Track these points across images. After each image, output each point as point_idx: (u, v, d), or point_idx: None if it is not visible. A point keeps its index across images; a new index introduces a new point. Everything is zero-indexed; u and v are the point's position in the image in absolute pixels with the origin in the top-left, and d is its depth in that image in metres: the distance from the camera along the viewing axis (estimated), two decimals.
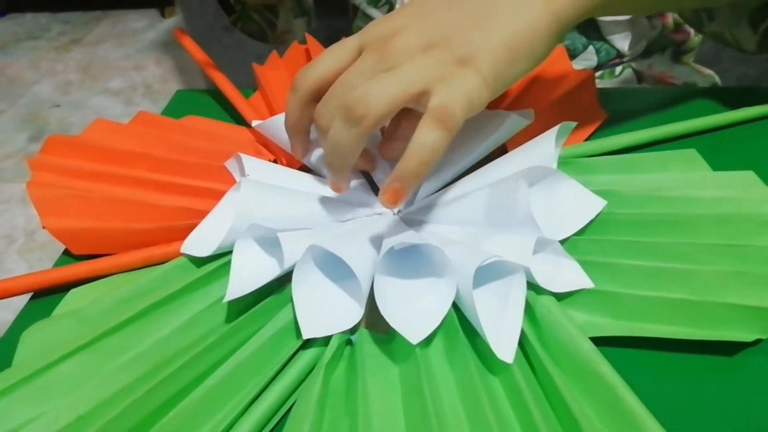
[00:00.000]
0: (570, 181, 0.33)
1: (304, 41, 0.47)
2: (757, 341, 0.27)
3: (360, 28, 0.64)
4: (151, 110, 0.45)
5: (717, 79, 0.58)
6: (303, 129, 0.34)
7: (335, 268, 0.30)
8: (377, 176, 0.38)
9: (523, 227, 0.30)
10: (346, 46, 0.31)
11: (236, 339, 0.29)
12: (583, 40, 0.54)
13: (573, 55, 0.54)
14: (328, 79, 0.31)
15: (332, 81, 0.31)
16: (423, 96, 0.28)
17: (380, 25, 0.31)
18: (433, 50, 0.29)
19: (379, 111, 0.27)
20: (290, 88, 0.32)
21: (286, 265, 0.30)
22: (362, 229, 0.34)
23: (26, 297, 0.34)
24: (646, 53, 0.57)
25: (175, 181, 0.37)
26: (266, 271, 0.31)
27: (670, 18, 0.56)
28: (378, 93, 0.27)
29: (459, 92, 0.28)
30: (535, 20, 0.29)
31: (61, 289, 0.33)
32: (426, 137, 0.27)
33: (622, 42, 0.54)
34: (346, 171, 0.31)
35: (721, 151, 0.37)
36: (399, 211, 0.36)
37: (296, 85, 0.32)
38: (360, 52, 0.31)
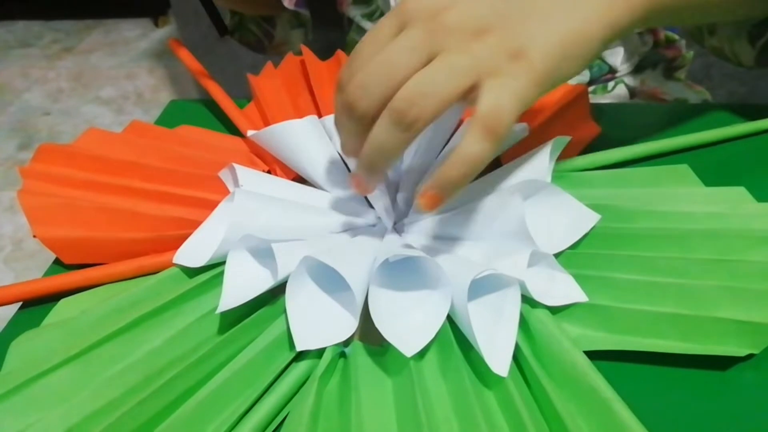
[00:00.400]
0: (564, 195, 0.33)
1: (300, 52, 0.47)
2: (749, 356, 0.27)
3: (355, 41, 0.65)
4: (142, 119, 0.44)
5: (708, 95, 0.59)
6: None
7: (329, 279, 0.30)
8: None
9: (517, 241, 0.30)
10: (385, 28, 0.28)
11: (229, 350, 0.29)
12: None
13: None
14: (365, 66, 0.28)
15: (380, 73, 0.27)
16: (472, 91, 0.26)
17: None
18: (486, 36, 0.26)
19: (430, 114, 0.26)
20: (336, 87, 0.29)
21: (280, 277, 0.30)
22: (357, 240, 0.34)
23: (15, 307, 0.34)
24: (638, 69, 0.57)
25: (169, 190, 0.37)
26: (259, 282, 0.30)
27: (662, 34, 0.57)
28: (429, 91, 0.25)
29: (510, 93, 0.26)
30: (593, 22, 0.28)
31: (52, 299, 0.33)
32: (472, 147, 0.26)
33: (614, 58, 0.55)
34: (383, 173, 0.28)
35: (712, 166, 0.37)
36: (394, 224, 0.36)
37: (342, 83, 0.28)
38: (401, 27, 0.27)
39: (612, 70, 0.55)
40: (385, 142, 0.26)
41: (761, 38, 0.42)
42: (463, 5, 0.27)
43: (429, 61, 0.26)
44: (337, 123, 0.29)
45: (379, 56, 0.26)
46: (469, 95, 0.26)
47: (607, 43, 0.29)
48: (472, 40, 0.26)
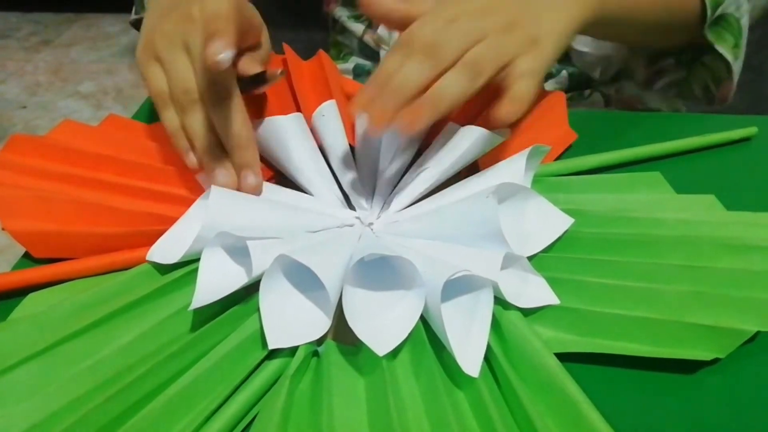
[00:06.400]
0: (539, 198, 0.34)
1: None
2: (715, 360, 0.28)
3: (339, 42, 0.65)
4: (121, 115, 0.44)
5: (682, 106, 0.60)
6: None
7: (304, 278, 0.30)
8: (345, 179, 0.38)
9: (491, 243, 0.31)
10: (441, 16, 0.34)
11: (201, 347, 0.29)
12: (556, 64, 0.55)
13: (546, 77, 0.56)
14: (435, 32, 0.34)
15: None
16: (508, 66, 0.35)
17: (467, 2, 0.36)
18: (515, 29, 0.35)
19: (491, 72, 0.33)
20: (395, 46, 0.34)
21: (254, 274, 0.29)
22: (332, 240, 0.34)
23: None
24: (615, 78, 0.58)
25: (143, 185, 0.36)
26: (233, 279, 0.30)
27: None
28: (491, 56, 0.33)
29: (536, 66, 0.35)
30: (574, 20, 0.37)
31: (19, 293, 0.32)
32: (526, 85, 0.34)
33: (593, 68, 0.56)
34: (434, 119, 0.33)
35: (684, 174, 0.38)
36: (371, 224, 0.36)
37: (403, 44, 0.34)
38: (453, 20, 0.34)
39: (590, 79, 0.56)
40: (462, 84, 0.32)
41: (654, 65, 0.52)
42: (494, 6, 0.36)
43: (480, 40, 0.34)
44: (407, 66, 0.33)
45: (448, 30, 0.33)
46: (505, 69, 0.35)
47: (578, 31, 0.38)
48: (508, 32, 0.35)
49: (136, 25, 0.57)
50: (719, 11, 0.45)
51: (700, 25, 0.46)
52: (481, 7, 0.36)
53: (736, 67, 0.47)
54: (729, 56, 0.46)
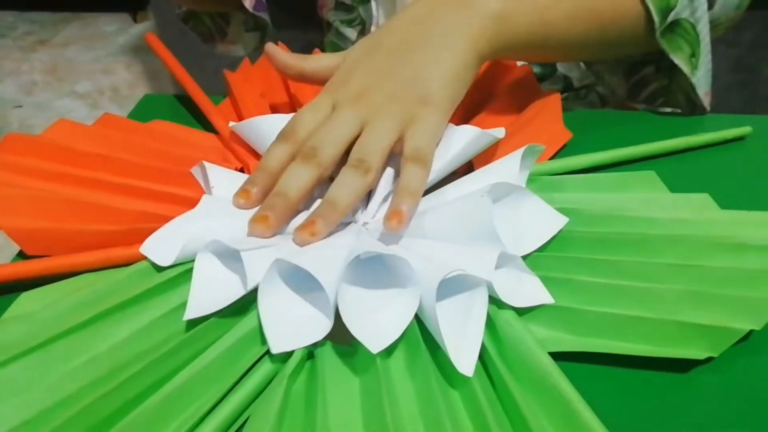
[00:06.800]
0: (533, 197, 0.34)
1: (252, 55, 0.47)
2: (709, 359, 0.28)
3: (333, 44, 0.65)
4: (118, 114, 0.44)
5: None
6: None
7: (302, 280, 0.30)
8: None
9: (486, 242, 0.31)
10: (321, 106, 0.36)
11: (196, 347, 0.29)
12: (549, 66, 0.56)
13: (541, 78, 0.56)
14: (315, 132, 0.35)
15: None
16: (399, 143, 0.35)
17: (348, 84, 0.37)
18: (397, 100, 0.35)
19: (380, 161, 0.34)
20: (278, 138, 0.36)
21: (249, 287, 0.29)
22: (329, 239, 0.34)
23: None
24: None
25: (138, 184, 0.36)
26: (228, 291, 0.30)
27: None
28: (374, 148, 0.34)
29: (427, 133, 0.35)
30: (464, 55, 0.37)
31: (11, 290, 0.32)
32: (411, 178, 0.33)
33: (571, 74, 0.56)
34: (337, 221, 0.33)
35: (678, 174, 0.38)
36: (365, 223, 0.36)
37: (286, 137, 0.35)
38: (333, 107, 0.36)
39: (585, 81, 0.56)
40: (352, 184, 0.33)
41: (635, 75, 0.49)
42: (374, 85, 0.36)
43: (362, 128, 0.35)
44: (289, 172, 0.33)
45: (326, 126, 0.35)
46: (397, 146, 0.35)
47: (478, 67, 0.39)
48: (389, 105, 0.35)
49: (186, 20, 0.59)
50: (671, 17, 0.42)
51: (651, 34, 0.42)
52: (358, 90, 0.36)
53: (697, 78, 0.44)
54: (685, 67, 0.43)
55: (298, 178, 0.33)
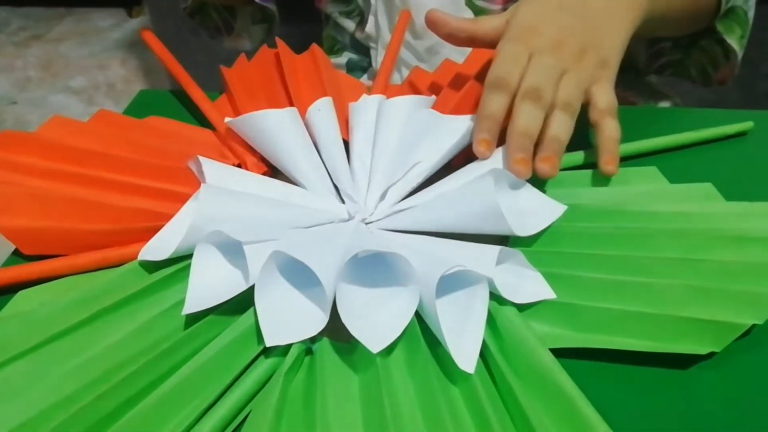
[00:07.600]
0: (530, 186, 0.34)
1: (257, 48, 0.47)
2: (711, 354, 0.28)
3: (331, 37, 0.64)
4: (113, 110, 0.43)
5: (678, 100, 0.60)
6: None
7: (299, 274, 0.29)
8: (343, 183, 0.37)
9: (491, 223, 0.31)
10: (519, 55, 0.37)
11: (193, 345, 0.28)
12: None
13: None
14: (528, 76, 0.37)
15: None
16: (586, 94, 0.38)
17: (543, 35, 0.38)
18: (584, 57, 0.38)
19: (579, 107, 0.37)
20: (491, 87, 0.37)
21: (251, 281, 0.29)
22: (327, 236, 0.34)
23: None
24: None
25: (135, 181, 0.36)
26: (228, 285, 0.30)
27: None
28: (577, 94, 0.37)
29: (609, 90, 0.38)
30: (631, 30, 0.40)
31: (8, 290, 0.32)
32: (613, 126, 0.37)
33: None
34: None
35: (680, 169, 0.38)
36: (365, 219, 0.36)
37: (500, 84, 0.36)
38: (530, 56, 0.37)
39: None
40: (566, 126, 0.36)
41: (654, 46, 0.55)
42: (566, 38, 0.38)
43: (562, 75, 0.37)
44: (527, 114, 0.35)
45: (539, 71, 0.36)
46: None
47: None
48: (582, 60, 0.37)
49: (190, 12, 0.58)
50: (730, 3, 0.47)
51: (712, 17, 0.48)
52: (552, 40, 0.37)
53: (740, 56, 0.50)
54: (736, 46, 0.49)
55: (536, 118, 0.35)
